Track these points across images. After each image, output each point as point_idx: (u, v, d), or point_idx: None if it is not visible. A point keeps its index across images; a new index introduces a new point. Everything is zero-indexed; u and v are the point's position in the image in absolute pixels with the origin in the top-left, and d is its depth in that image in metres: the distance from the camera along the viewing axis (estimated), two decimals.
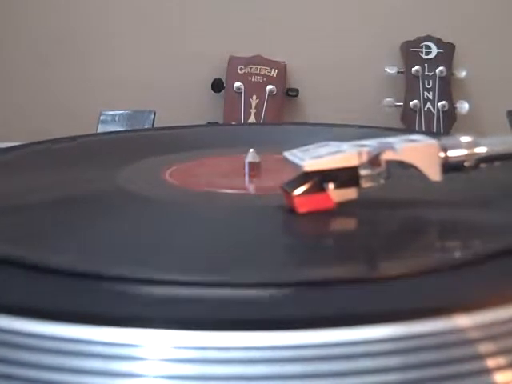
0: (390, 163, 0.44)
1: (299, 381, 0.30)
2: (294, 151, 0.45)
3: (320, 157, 0.44)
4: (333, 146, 0.45)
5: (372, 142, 0.45)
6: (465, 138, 0.46)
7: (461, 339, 0.31)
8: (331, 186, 0.44)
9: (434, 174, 0.45)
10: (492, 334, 0.32)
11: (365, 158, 0.44)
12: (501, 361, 0.31)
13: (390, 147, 0.44)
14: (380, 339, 0.31)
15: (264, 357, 0.30)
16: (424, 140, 0.46)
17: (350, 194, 0.45)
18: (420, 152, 0.45)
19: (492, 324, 0.32)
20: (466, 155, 0.45)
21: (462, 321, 0.32)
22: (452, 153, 0.45)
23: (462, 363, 0.31)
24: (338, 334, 0.31)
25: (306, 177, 0.44)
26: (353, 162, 0.44)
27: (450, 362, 0.31)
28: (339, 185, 0.44)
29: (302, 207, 0.44)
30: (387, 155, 0.44)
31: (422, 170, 0.45)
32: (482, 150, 0.46)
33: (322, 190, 0.44)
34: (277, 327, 0.31)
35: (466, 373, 0.31)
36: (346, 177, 0.44)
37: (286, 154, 0.46)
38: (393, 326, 0.31)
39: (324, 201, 0.44)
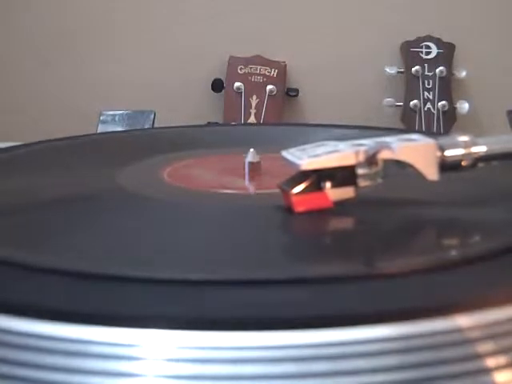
0: (388, 162, 0.45)
1: (299, 381, 0.30)
2: (292, 150, 0.45)
3: (317, 156, 0.44)
4: (330, 145, 0.45)
5: (369, 142, 0.45)
6: (462, 138, 0.46)
7: (461, 339, 0.31)
8: (328, 184, 0.44)
9: (431, 173, 0.45)
10: (492, 334, 0.32)
11: (362, 157, 0.44)
12: (501, 361, 0.31)
13: (387, 146, 0.44)
14: (379, 339, 0.31)
15: (263, 357, 0.30)
16: (421, 139, 0.46)
17: (347, 193, 0.45)
18: (417, 151, 0.45)
19: (492, 324, 0.32)
20: (463, 154, 0.45)
21: (462, 321, 0.32)
22: (449, 152, 0.45)
23: (462, 363, 0.31)
24: (337, 334, 0.31)
25: (303, 176, 0.44)
26: (350, 161, 0.44)
27: (449, 362, 0.31)
28: (336, 184, 0.44)
29: (300, 206, 0.44)
30: (384, 154, 0.44)
31: (419, 170, 0.45)
32: (479, 149, 0.46)
33: (320, 188, 0.44)
34: (276, 327, 0.31)
35: (466, 373, 0.31)
36: (343, 176, 0.44)
37: (284, 153, 0.46)
38: (392, 325, 0.31)
39: (321, 200, 0.44)
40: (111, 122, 1.14)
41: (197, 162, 0.60)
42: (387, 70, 1.70)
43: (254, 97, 1.67)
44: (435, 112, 1.65)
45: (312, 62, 1.74)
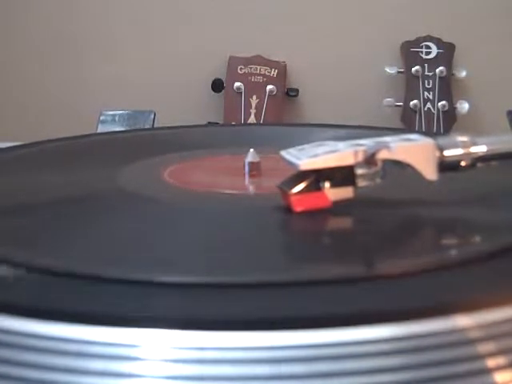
0: (387, 162, 0.45)
1: (299, 381, 0.30)
2: (291, 150, 0.45)
3: (316, 156, 0.44)
4: (329, 145, 0.45)
5: (368, 142, 0.45)
6: (461, 138, 0.46)
7: (461, 339, 0.31)
8: (327, 184, 0.44)
9: (430, 173, 0.45)
10: (492, 333, 0.32)
11: (361, 157, 0.44)
12: (501, 361, 0.31)
13: (386, 146, 0.44)
14: (379, 339, 0.31)
15: (263, 357, 0.30)
16: (420, 139, 0.46)
17: (346, 192, 0.45)
18: (416, 151, 0.45)
19: (492, 324, 0.32)
20: (462, 154, 0.45)
21: (462, 321, 0.32)
22: (448, 152, 0.45)
23: (462, 363, 0.31)
24: (336, 335, 0.31)
25: (302, 176, 0.44)
26: (349, 161, 0.44)
27: (450, 362, 0.31)
28: (335, 184, 0.44)
29: (299, 206, 0.44)
30: (383, 154, 0.44)
31: (418, 170, 0.45)
32: (478, 149, 0.46)
33: (319, 188, 0.44)
34: (276, 327, 0.31)
35: (466, 373, 0.31)
36: (342, 176, 0.44)
37: (283, 153, 0.46)
38: (392, 325, 0.31)
39: (320, 200, 0.44)
40: (111, 122, 1.14)
41: (197, 162, 0.60)
42: (387, 69, 1.70)
43: (254, 97, 1.67)
44: (435, 112, 1.65)
45: (312, 62, 1.74)
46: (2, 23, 1.76)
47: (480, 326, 0.32)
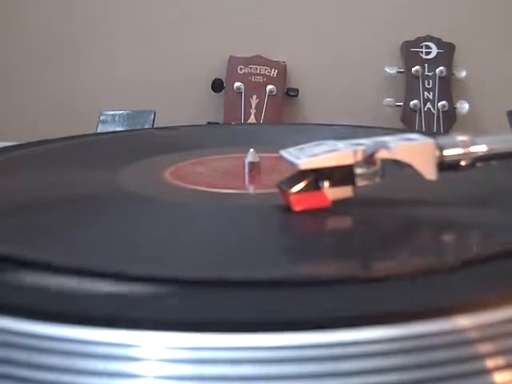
0: (386, 162, 0.45)
1: (297, 381, 0.30)
2: (290, 150, 0.46)
3: (315, 155, 0.44)
4: (328, 144, 0.45)
5: (367, 141, 0.45)
6: (461, 137, 0.46)
7: (460, 340, 0.31)
8: (327, 184, 0.44)
9: (429, 173, 0.45)
10: (492, 334, 0.32)
11: (360, 157, 0.44)
12: (501, 361, 0.31)
13: (386, 146, 0.44)
14: (379, 340, 0.31)
15: (261, 358, 0.30)
16: (420, 139, 0.46)
17: (345, 192, 0.45)
18: (415, 151, 0.45)
19: (492, 324, 0.32)
20: (461, 154, 0.45)
21: (462, 321, 0.32)
22: (448, 152, 0.45)
23: (461, 363, 0.31)
24: (335, 336, 0.31)
25: (301, 175, 0.44)
26: (348, 160, 0.44)
27: (449, 362, 0.31)
28: (335, 183, 0.44)
29: (299, 205, 0.44)
30: (382, 154, 0.44)
31: (418, 169, 0.45)
32: (478, 148, 0.46)
33: (318, 188, 0.44)
34: (275, 328, 0.31)
35: (466, 373, 0.31)
36: (341, 175, 0.44)
37: (283, 152, 0.46)
38: (392, 326, 0.31)
39: (320, 199, 0.44)
40: (111, 122, 1.14)
41: (197, 161, 0.60)
42: (387, 69, 1.70)
43: (254, 97, 1.67)
44: (435, 112, 1.65)
45: (312, 62, 1.74)
46: (1, 23, 1.76)
47: (479, 327, 0.32)
